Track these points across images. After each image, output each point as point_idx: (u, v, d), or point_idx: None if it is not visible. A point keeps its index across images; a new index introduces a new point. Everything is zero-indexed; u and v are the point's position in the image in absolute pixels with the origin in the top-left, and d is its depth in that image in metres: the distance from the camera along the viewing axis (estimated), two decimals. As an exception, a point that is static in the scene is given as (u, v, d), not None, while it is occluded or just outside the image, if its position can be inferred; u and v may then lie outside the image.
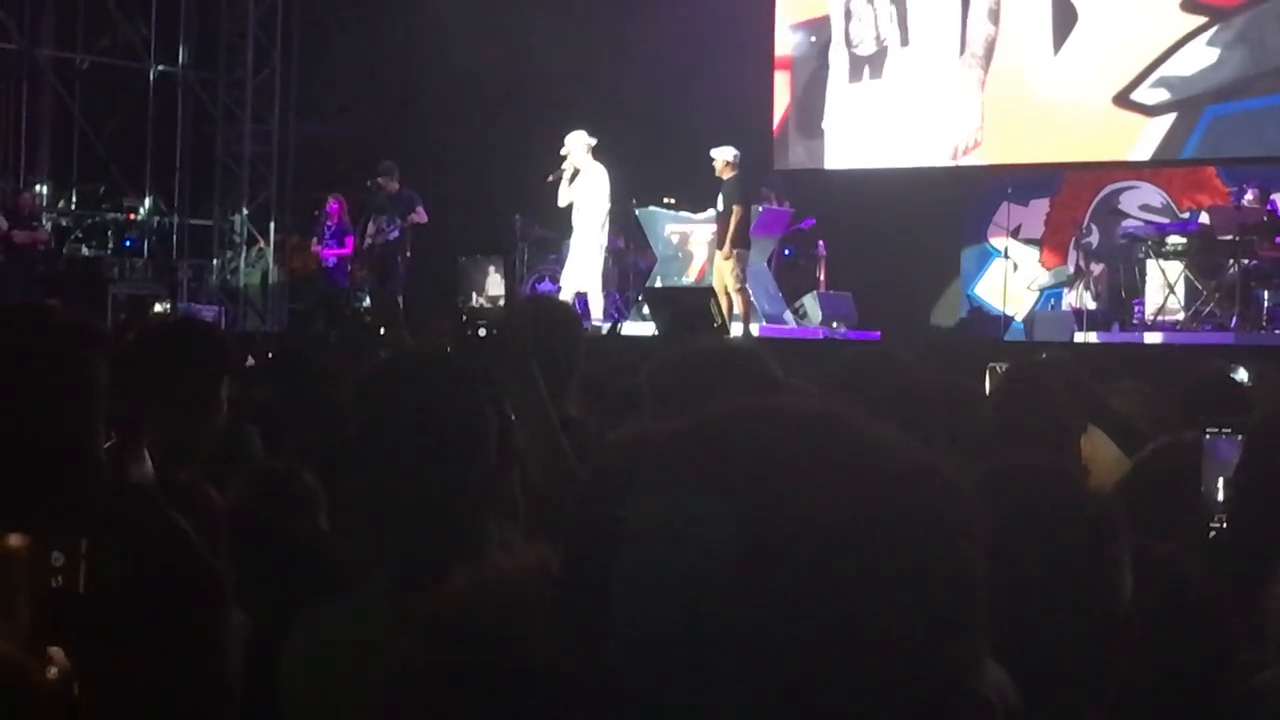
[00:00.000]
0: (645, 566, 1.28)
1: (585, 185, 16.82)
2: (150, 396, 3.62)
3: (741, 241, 16.51)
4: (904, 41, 19.60)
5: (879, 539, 1.24)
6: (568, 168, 16.81)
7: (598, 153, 17.07)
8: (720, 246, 16.53)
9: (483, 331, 3.44)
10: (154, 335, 4.18)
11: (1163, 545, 2.73)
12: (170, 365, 3.86)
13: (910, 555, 1.24)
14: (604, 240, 17.06)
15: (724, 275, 16.40)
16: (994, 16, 18.81)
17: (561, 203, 16.92)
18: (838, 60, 20.07)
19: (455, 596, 2.35)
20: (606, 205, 16.93)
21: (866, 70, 19.88)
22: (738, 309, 16.20)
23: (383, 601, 2.75)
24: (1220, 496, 2.89)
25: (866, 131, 19.73)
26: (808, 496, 1.24)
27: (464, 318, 3.49)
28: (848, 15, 19.97)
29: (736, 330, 15.70)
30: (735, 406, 1.33)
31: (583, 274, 16.62)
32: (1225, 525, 2.83)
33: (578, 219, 16.90)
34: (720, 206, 16.63)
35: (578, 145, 16.82)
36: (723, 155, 16.70)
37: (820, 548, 1.23)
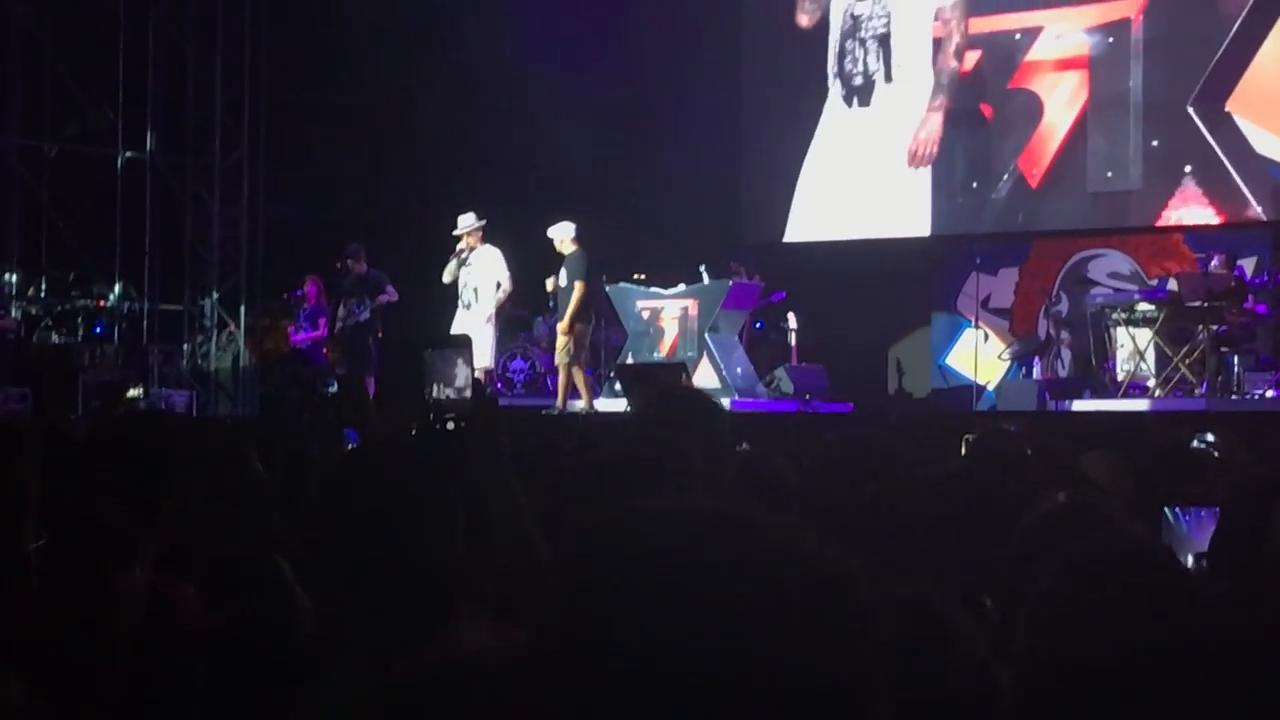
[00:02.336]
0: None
1: (481, 265, 16.92)
2: (107, 493, 3.59)
3: (583, 317, 16.61)
4: (888, 78, 20.02)
5: (773, 624, 1.31)
6: (463, 248, 16.90)
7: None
8: (561, 320, 16.70)
9: (450, 424, 3.44)
10: (106, 431, 4.14)
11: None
12: (121, 460, 3.82)
13: (801, 636, 1.31)
14: (492, 317, 17.16)
15: (560, 349, 16.58)
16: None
17: (446, 279, 16.97)
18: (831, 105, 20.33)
19: (417, 672, 2.34)
20: (497, 283, 17.03)
21: (856, 100, 20.26)
22: (578, 385, 16.39)
23: (353, 688, 2.73)
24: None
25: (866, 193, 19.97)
26: (708, 587, 1.31)
27: (431, 413, 3.50)
28: (841, 54, 20.32)
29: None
30: (639, 507, 1.40)
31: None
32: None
33: (475, 297, 16.96)
34: (563, 282, 16.72)
35: (467, 227, 16.91)
36: (561, 232, 16.84)
37: (721, 630, 1.29)
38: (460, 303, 17.04)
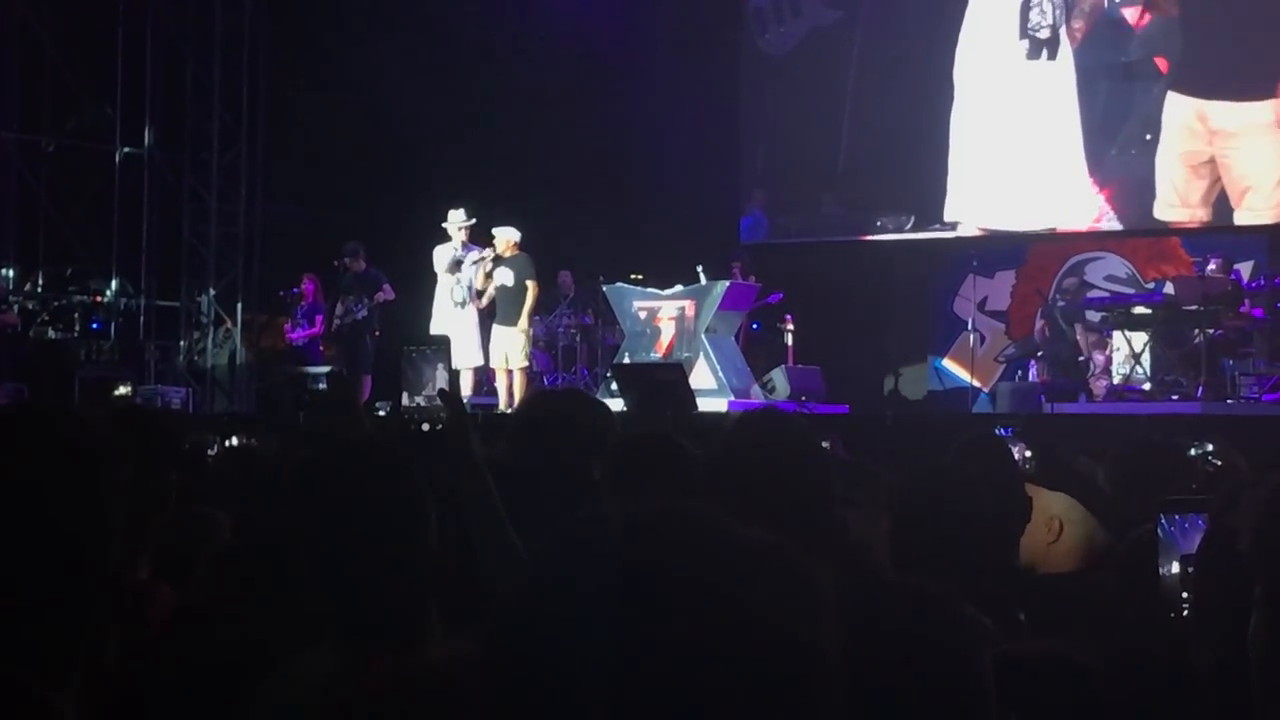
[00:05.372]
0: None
1: (473, 264, 17.05)
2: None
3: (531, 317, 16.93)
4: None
5: (733, 609, 1.33)
6: (463, 243, 17.00)
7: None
8: (513, 322, 16.83)
9: (425, 427, 3.43)
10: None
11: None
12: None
13: (758, 623, 1.33)
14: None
15: (512, 349, 16.64)
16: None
17: (446, 269, 17.05)
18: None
19: (377, 685, 2.33)
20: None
21: (1044, 53, 20.12)
22: (519, 387, 16.46)
23: (319, 688, 2.72)
24: (1179, 579, 2.85)
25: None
26: (679, 586, 1.33)
27: (405, 417, 3.49)
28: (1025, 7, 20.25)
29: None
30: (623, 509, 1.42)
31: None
32: (1187, 609, 2.80)
33: (469, 296, 17.06)
34: (510, 282, 16.83)
35: (461, 222, 16.99)
36: (508, 235, 16.88)
37: (692, 618, 1.32)
38: (452, 300, 17.01)
